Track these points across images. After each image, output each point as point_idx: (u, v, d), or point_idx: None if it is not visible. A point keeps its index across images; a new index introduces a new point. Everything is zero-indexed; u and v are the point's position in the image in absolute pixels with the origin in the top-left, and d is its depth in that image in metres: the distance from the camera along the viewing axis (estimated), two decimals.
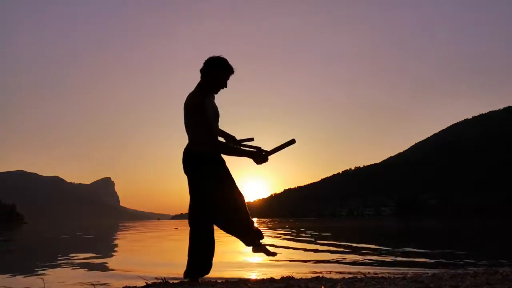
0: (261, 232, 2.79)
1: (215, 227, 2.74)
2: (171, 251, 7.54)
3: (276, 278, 2.84)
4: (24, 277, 4.04)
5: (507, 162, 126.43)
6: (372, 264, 4.68)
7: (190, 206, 2.73)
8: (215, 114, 2.77)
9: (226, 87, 2.75)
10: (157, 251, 7.65)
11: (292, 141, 2.83)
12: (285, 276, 2.93)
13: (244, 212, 2.72)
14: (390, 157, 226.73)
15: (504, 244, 8.12)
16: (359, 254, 6.05)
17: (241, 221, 2.71)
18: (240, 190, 2.76)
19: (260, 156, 2.67)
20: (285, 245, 8.00)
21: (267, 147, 2.83)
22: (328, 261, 5.07)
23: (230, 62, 2.69)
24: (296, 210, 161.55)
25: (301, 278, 2.85)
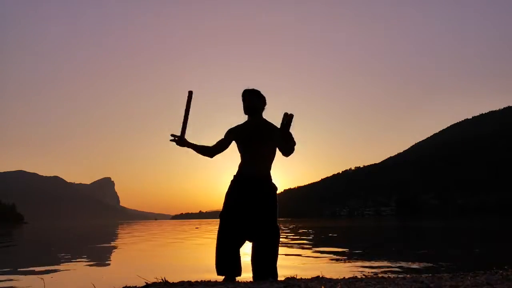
0: (223, 268, 2.81)
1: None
2: (170, 251, 7.54)
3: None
4: (24, 277, 4.05)
5: (507, 162, 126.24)
6: (372, 264, 4.68)
7: None
8: (250, 134, 2.96)
9: (244, 103, 3.00)
10: (156, 251, 7.65)
11: (290, 116, 2.80)
12: (285, 276, 2.93)
13: (218, 238, 2.85)
14: (390, 157, 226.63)
15: (504, 244, 8.11)
16: (360, 254, 6.05)
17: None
18: (235, 219, 2.82)
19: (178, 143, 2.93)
20: (288, 245, 8.00)
21: None
22: (328, 261, 5.08)
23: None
24: (296, 210, 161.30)
25: (301, 278, 2.85)
